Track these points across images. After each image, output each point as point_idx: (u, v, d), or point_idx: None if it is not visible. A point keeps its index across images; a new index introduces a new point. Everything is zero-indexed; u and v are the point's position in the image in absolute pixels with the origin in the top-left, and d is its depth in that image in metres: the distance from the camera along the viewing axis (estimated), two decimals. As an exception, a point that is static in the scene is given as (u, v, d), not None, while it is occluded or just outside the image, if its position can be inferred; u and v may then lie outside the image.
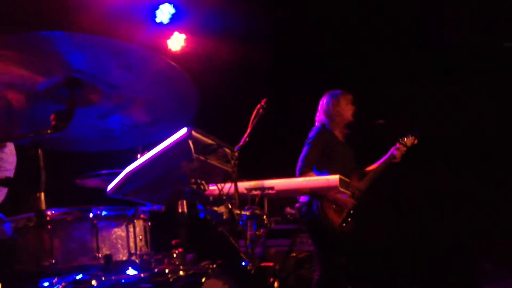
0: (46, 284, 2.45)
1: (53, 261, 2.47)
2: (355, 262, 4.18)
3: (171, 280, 2.33)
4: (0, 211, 2.61)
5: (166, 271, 2.43)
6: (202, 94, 2.14)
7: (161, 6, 5.89)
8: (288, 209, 4.90)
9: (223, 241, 2.42)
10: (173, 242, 2.73)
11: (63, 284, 2.38)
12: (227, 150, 2.22)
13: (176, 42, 6.05)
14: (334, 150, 4.13)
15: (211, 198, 2.32)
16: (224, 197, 2.32)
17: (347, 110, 4.23)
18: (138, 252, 2.70)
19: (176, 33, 6.05)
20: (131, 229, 2.71)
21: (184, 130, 2.03)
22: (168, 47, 6.03)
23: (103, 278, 2.40)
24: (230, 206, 2.35)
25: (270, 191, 2.73)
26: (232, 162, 2.26)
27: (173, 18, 5.93)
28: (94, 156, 2.73)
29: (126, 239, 2.67)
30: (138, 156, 2.41)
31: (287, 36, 6.15)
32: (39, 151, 1.98)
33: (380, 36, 6.06)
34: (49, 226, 2.51)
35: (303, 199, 4.04)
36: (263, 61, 5.98)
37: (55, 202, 2.42)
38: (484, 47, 5.95)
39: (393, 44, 6.05)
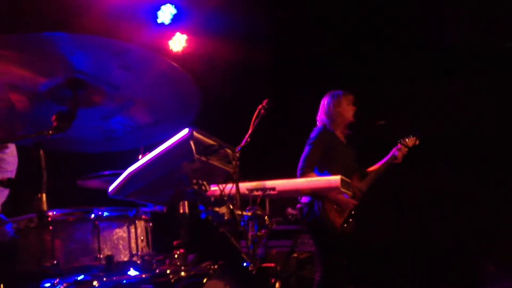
0: (47, 284, 2.44)
1: (55, 261, 2.47)
2: (356, 262, 4.19)
3: (172, 281, 2.32)
4: (1, 212, 2.62)
5: (168, 271, 2.42)
6: (203, 95, 2.13)
7: (162, 7, 5.89)
8: (290, 210, 4.90)
9: (224, 241, 2.42)
10: (175, 243, 2.72)
11: (64, 284, 2.38)
12: (229, 151, 2.22)
13: (178, 42, 6.06)
14: (335, 151, 4.12)
15: (212, 198, 2.32)
16: (225, 198, 2.32)
17: (348, 111, 4.23)
18: (139, 253, 2.70)
19: (177, 34, 6.06)
20: (132, 230, 2.71)
21: (185, 131, 2.03)
22: (170, 48, 6.04)
23: (104, 279, 2.39)
24: (231, 207, 2.35)
25: (271, 192, 2.74)
26: (234, 162, 2.26)
27: (175, 18, 5.94)
28: (95, 157, 2.73)
29: (127, 240, 2.68)
30: (140, 157, 2.41)
31: (287, 36, 6.16)
32: (41, 152, 1.98)
33: (380, 36, 6.06)
34: (50, 227, 2.52)
35: (304, 199, 4.04)
36: (263, 61, 5.98)
37: (57, 203, 2.42)
38: (484, 47, 5.95)
39: (393, 44, 6.05)
